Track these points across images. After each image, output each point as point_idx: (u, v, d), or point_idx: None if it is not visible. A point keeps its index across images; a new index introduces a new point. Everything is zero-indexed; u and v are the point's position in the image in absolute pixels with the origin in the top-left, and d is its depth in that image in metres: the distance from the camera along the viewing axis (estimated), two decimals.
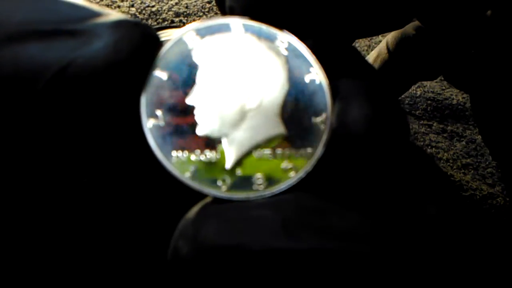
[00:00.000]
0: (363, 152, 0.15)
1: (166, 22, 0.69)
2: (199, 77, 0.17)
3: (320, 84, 0.17)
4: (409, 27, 0.46)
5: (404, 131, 0.16)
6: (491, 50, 0.30)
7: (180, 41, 0.17)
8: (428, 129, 0.66)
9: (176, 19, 0.70)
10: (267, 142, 0.17)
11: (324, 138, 0.16)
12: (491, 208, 0.52)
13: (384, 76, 0.49)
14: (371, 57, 0.52)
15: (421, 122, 0.67)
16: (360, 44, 0.77)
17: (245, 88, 0.17)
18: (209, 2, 0.77)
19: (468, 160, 0.62)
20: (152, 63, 0.16)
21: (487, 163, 0.62)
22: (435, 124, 0.68)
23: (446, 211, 0.16)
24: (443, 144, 0.64)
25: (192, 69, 0.17)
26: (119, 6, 0.69)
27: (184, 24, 0.70)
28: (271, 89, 0.17)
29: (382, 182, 0.16)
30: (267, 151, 0.16)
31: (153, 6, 0.70)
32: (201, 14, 0.73)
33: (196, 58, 0.17)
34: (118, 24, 0.14)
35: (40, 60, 0.13)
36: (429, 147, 0.63)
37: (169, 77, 0.16)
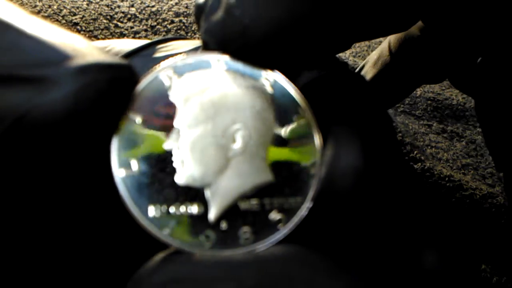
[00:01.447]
0: (350, 207, 0.14)
1: (166, 22, 0.69)
2: (177, 119, 0.15)
3: (309, 125, 0.15)
4: (414, 28, 0.43)
5: (398, 174, 0.15)
6: (499, 56, 0.29)
7: (156, 80, 0.15)
8: (428, 129, 0.66)
9: (176, 19, 0.70)
10: (254, 191, 0.15)
11: (313, 188, 0.15)
12: (491, 208, 0.52)
13: (385, 81, 0.48)
14: (371, 59, 0.51)
15: (421, 122, 0.67)
16: (360, 44, 0.77)
17: (229, 130, 0.15)
18: None
19: (468, 160, 0.62)
20: (124, 108, 0.14)
21: (487, 163, 0.62)
22: (435, 124, 0.68)
23: (445, 259, 0.15)
24: (443, 144, 0.64)
25: (169, 110, 0.15)
26: (119, 6, 0.69)
27: (184, 24, 0.70)
28: (258, 132, 0.15)
29: (371, 233, 0.14)
30: (254, 201, 0.15)
31: (153, 6, 0.70)
32: None
33: (173, 98, 0.15)
34: (82, 70, 0.12)
35: None
36: (429, 147, 0.63)
37: (144, 120, 0.15)
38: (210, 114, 0.15)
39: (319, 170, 0.15)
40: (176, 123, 0.15)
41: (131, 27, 0.67)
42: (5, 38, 0.12)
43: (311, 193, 0.15)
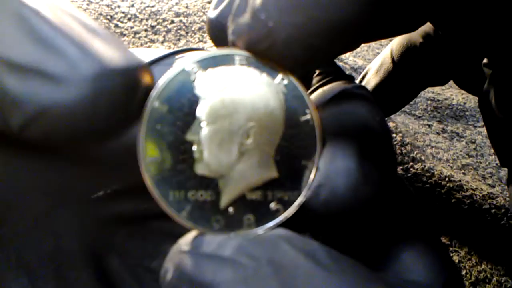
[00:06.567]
0: (342, 206, 0.16)
1: (166, 22, 0.69)
2: (199, 111, 0.16)
3: (313, 126, 0.17)
4: (416, 35, 0.43)
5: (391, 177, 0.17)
6: (507, 56, 0.30)
7: (182, 72, 0.16)
8: (428, 129, 0.66)
9: (176, 19, 0.70)
10: (259, 184, 0.17)
11: (310, 183, 0.16)
12: (491, 208, 0.52)
13: (389, 88, 0.48)
14: (373, 67, 0.50)
15: (421, 122, 0.67)
16: None
17: (244, 127, 0.16)
18: (209, 2, 0.77)
19: (468, 160, 0.62)
20: (141, 106, 0.15)
21: (487, 163, 0.62)
22: (435, 124, 0.68)
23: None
24: (443, 144, 0.64)
25: (193, 103, 0.16)
26: (119, 6, 0.69)
27: (184, 24, 0.70)
28: (268, 130, 0.16)
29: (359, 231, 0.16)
30: (258, 193, 0.16)
31: (153, 6, 0.70)
32: (201, 14, 0.73)
33: (198, 91, 0.16)
34: (98, 75, 0.13)
35: (19, 97, 0.13)
36: (429, 147, 0.63)
37: (169, 111, 0.16)
38: (229, 111, 0.16)
39: (315, 169, 0.16)
40: (198, 115, 0.16)
41: (131, 27, 0.67)
42: (42, 32, 0.13)
43: (307, 189, 0.16)
